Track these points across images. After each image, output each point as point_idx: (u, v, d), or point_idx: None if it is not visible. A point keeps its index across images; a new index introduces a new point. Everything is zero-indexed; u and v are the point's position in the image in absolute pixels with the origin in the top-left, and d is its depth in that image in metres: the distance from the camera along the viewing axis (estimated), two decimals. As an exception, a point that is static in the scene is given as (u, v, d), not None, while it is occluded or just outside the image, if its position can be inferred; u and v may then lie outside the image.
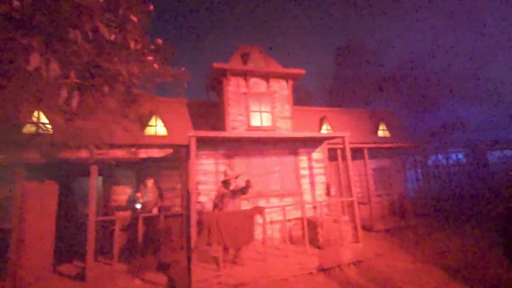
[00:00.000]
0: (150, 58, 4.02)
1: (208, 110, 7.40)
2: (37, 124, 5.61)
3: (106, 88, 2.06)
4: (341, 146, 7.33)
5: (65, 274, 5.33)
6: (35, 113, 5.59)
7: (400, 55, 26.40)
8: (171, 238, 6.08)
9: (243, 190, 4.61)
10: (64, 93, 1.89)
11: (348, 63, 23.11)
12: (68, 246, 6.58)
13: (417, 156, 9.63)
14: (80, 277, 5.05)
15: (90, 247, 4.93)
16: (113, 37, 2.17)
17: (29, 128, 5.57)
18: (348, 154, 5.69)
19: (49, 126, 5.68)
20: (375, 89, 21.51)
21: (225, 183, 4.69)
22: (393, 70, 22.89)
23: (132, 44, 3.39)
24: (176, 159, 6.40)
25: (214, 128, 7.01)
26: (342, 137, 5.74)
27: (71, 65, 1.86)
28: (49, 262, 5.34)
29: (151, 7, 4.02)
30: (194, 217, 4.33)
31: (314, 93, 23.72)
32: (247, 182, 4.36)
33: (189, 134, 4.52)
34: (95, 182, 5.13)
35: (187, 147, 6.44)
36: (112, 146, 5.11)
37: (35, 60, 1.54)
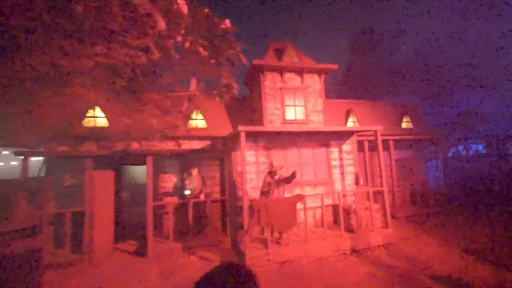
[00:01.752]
0: (212, 61, 4.42)
1: (241, 104, 7.79)
2: (94, 118, 6.16)
3: (217, 98, 2.51)
4: (369, 138, 7.71)
5: (125, 251, 6.06)
6: (91, 109, 6.12)
7: (413, 44, 25.73)
8: (213, 220, 6.72)
9: (287, 180, 5.10)
10: (186, 103, 2.39)
11: (362, 53, 22.75)
12: (119, 227, 7.32)
13: (437, 147, 9.89)
14: (140, 253, 5.76)
15: (150, 227, 5.59)
16: (206, 53, 2.55)
17: (87, 123, 6.12)
18: (380, 146, 6.06)
19: (104, 120, 6.22)
20: (390, 79, 21.29)
21: (271, 173, 5.18)
22: (407, 59, 22.51)
23: (201, 50, 3.80)
24: (215, 150, 6.91)
25: (250, 121, 7.43)
26: (375, 131, 6.09)
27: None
28: (111, 241, 6.06)
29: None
30: (246, 204, 4.87)
31: (327, 85, 23.55)
32: (294, 173, 4.82)
33: (240, 129, 4.96)
34: (151, 171, 5.70)
35: (224, 138, 6.93)
36: (168, 138, 5.60)
37: (194, 82, 2.07)
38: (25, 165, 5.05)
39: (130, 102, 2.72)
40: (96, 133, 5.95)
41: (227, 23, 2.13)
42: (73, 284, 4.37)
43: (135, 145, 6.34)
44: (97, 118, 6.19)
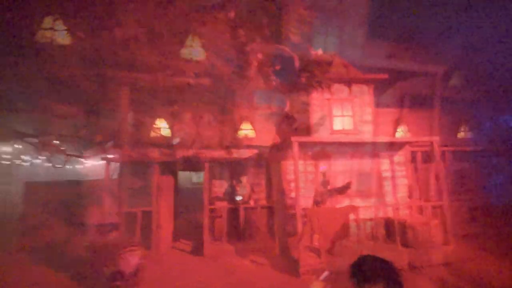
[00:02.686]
0: (273, 77, 4.78)
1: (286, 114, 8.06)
2: (159, 128, 6.96)
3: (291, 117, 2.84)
4: (422, 149, 7.35)
5: (181, 249, 6.63)
6: (157, 120, 6.93)
7: (467, 43, 23.42)
8: (260, 226, 6.99)
9: (340, 190, 5.17)
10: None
11: (406, 57, 21.42)
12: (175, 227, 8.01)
13: (501, 159, 8.92)
14: (196, 252, 6.25)
15: (206, 229, 6.07)
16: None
17: (153, 132, 6.93)
18: (437, 158, 5.78)
19: (168, 131, 6.98)
20: (437, 81, 19.65)
21: (324, 183, 5.30)
22: (455, 59, 20.53)
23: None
24: (262, 159, 7.22)
25: (296, 131, 7.65)
26: (431, 141, 5.84)
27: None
28: (171, 239, 6.69)
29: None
30: (300, 212, 5.05)
31: (374, 92, 22.55)
32: (349, 183, 4.89)
33: (293, 139, 5.21)
34: (208, 176, 6.23)
35: (272, 148, 7.22)
36: (224, 147, 6.10)
37: (288, 102, 2.47)
38: (107, 168, 5.94)
39: (219, 116, 3.17)
40: (162, 141, 6.67)
41: (320, 51, 2.43)
42: (146, 275, 4.96)
43: (192, 153, 6.96)
44: (162, 128, 7.00)
